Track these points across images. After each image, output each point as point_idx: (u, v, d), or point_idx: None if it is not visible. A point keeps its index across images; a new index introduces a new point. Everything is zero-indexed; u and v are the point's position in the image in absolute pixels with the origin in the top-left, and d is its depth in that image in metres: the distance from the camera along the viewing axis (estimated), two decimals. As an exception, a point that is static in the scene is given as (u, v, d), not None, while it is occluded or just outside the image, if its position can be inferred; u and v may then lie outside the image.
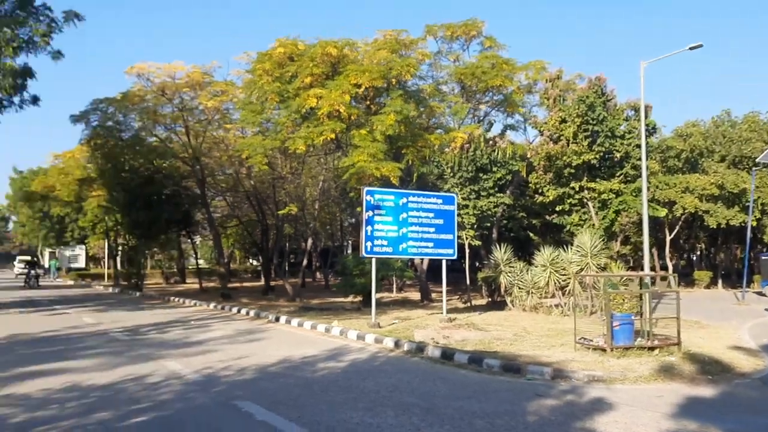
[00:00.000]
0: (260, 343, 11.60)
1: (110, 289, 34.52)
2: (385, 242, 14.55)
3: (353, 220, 39.70)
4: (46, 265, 68.43)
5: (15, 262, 64.85)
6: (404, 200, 15.04)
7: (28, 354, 10.25)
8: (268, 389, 7.43)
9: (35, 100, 17.22)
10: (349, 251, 42.22)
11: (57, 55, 16.80)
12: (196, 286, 35.59)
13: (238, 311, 18.46)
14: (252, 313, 17.58)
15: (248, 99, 20.12)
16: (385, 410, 6.43)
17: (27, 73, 16.43)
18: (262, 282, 35.23)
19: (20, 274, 59.98)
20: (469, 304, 20.70)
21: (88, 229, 53.55)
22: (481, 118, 25.68)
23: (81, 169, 36.75)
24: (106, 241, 45.06)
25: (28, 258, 64.65)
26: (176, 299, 24.17)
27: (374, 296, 14.48)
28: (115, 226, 35.86)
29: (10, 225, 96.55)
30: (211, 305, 20.86)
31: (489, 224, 23.10)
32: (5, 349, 10.92)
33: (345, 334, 12.69)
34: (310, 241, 30.60)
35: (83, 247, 63.44)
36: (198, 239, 53.70)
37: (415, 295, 24.77)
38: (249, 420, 6.05)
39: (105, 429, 5.67)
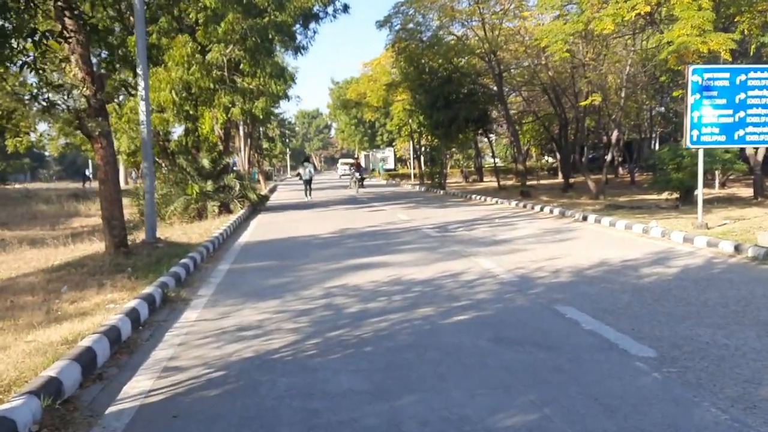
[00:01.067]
0: (570, 244, 10.94)
1: (416, 188, 37.04)
2: (715, 129, 12.31)
3: (662, 108, 35.48)
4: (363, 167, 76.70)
5: (338, 165, 73.97)
6: (742, 77, 12.38)
7: (355, 247, 11.25)
8: (590, 294, 6.78)
9: (345, 8, 18.36)
10: (656, 144, 38.18)
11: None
12: (494, 184, 36.04)
13: (541, 209, 17.96)
14: (556, 211, 16.91)
15: (547, -19, 18.53)
16: (742, 329, 5.30)
17: (338, -19, 17.43)
18: (559, 179, 34.12)
19: (343, 175, 68.33)
20: (823, 202, 16.96)
21: (394, 133, 58.07)
22: None
23: (386, 75, 39.32)
24: (411, 142, 48.10)
25: (350, 161, 72.98)
26: (477, 197, 24.68)
27: (701, 192, 12.54)
28: (418, 127, 37.78)
29: (332, 131, 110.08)
30: (512, 203, 20.75)
31: None
32: (336, 242, 12.18)
33: (667, 235, 11.26)
34: (615, 133, 28.19)
35: (391, 149, 69.19)
36: (493, 138, 54.28)
37: (743, 191, 21.27)
38: (575, 328, 5.52)
39: (430, 325, 5.70)
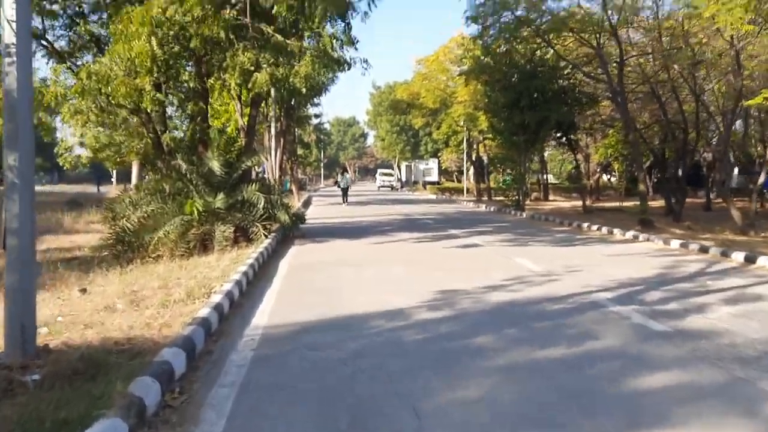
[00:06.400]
0: None
1: (481, 207, 30.50)
2: None
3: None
4: (404, 179, 70.60)
5: (377, 175, 67.80)
6: None
7: (518, 368, 4.86)
8: None
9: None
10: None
11: None
12: (561, 204, 30.42)
13: (748, 261, 11.08)
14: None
15: None
16: None
17: None
18: (635, 203, 28.12)
19: (382, 186, 62.26)
20: None
21: (440, 143, 51.73)
22: None
23: (444, 72, 33.49)
24: (467, 152, 41.71)
25: (389, 171, 66.94)
26: (589, 226, 18.02)
27: None
28: (486, 132, 31.46)
29: (368, 140, 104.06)
30: (671, 243, 13.83)
31: None
32: (462, 348, 5.78)
33: None
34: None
35: (436, 160, 62.77)
36: (546, 153, 48.03)
37: None
38: None
39: None
